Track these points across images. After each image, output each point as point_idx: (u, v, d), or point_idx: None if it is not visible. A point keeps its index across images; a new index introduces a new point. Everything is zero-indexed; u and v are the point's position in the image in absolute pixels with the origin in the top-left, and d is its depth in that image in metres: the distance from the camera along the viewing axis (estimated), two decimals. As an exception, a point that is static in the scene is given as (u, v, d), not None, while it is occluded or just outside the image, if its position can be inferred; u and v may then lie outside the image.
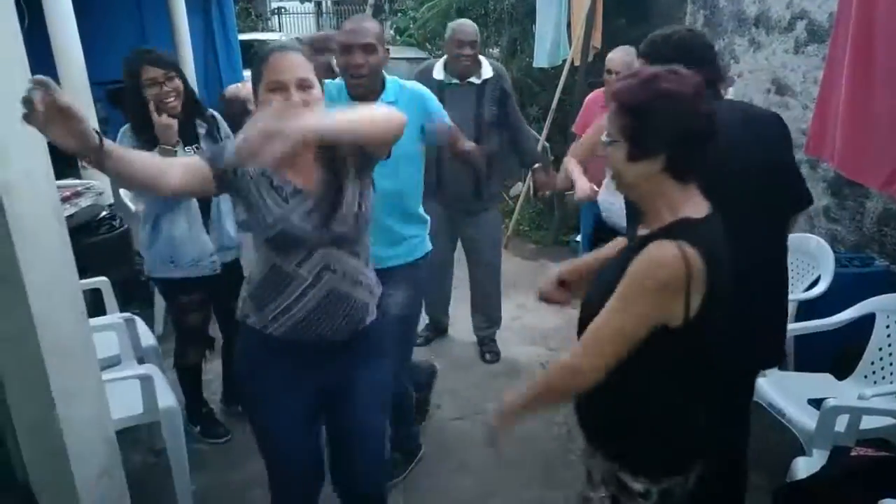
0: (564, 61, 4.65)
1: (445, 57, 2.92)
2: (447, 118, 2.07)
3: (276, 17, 16.91)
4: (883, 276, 2.60)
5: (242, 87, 2.40)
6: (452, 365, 3.14)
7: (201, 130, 2.27)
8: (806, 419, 1.97)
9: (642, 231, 1.21)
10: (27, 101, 1.01)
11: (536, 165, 3.13)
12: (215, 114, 2.37)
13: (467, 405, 2.80)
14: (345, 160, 1.43)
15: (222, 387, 2.74)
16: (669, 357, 1.15)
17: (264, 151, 1.12)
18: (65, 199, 2.97)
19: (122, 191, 3.42)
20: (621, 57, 2.72)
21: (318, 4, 18.75)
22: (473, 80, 2.87)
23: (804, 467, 1.81)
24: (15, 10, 1.34)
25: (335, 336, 1.46)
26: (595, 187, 2.49)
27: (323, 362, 1.50)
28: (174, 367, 2.51)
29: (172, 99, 2.15)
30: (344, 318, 1.45)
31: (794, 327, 2.43)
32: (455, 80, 2.87)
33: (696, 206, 1.17)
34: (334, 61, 2.03)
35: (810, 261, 2.68)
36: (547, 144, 4.49)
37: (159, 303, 3.11)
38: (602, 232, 2.54)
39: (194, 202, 2.27)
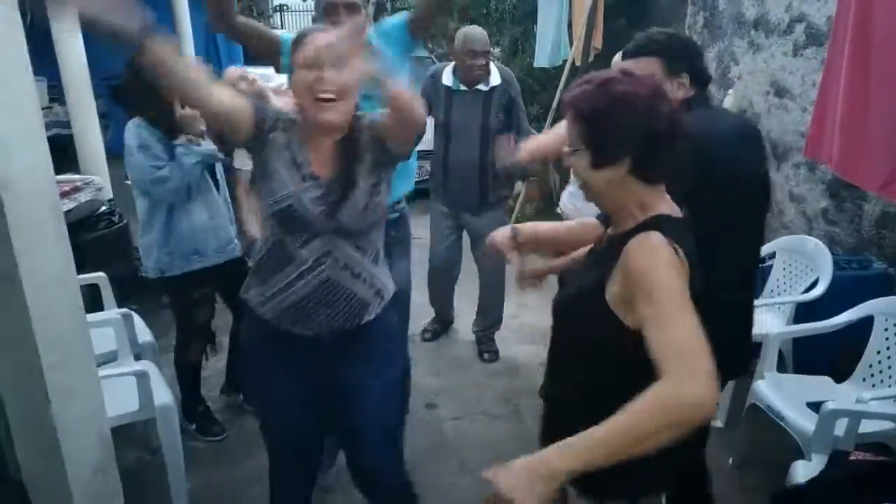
0: (565, 61, 4.65)
1: (454, 63, 2.92)
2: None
3: (279, 14, 16.88)
4: (881, 279, 2.60)
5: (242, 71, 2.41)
6: (451, 364, 3.14)
7: None
8: (804, 422, 1.96)
9: (614, 233, 1.17)
10: None
11: (532, 178, 3.19)
12: None
13: (466, 404, 2.79)
14: (363, 153, 1.43)
15: (225, 375, 2.73)
16: (642, 369, 0.98)
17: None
18: (64, 194, 2.96)
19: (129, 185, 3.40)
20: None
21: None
22: (481, 87, 2.88)
23: (803, 471, 1.80)
24: (17, 5, 1.33)
25: (330, 326, 1.45)
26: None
27: (319, 355, 1.49)
28: (174, 364, 2.51)
29: None
30: (339, 309, 1.44)
31: (792, 329, 2.44)
32: (463, 87, 2.88)
33: (670, 206, 1.14)
34: None
35: (808, 263, 2.68)
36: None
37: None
38: None
39: (215, 192, 2.32)
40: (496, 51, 5.91)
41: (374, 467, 1.62)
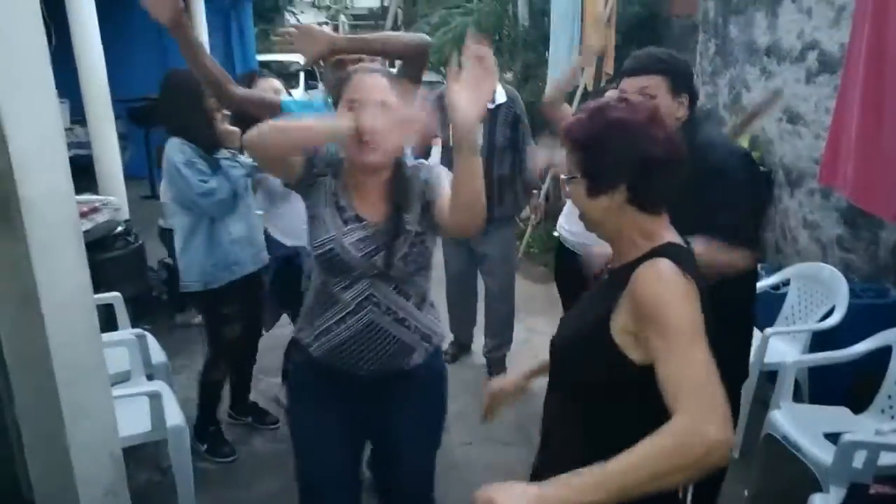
0: (576, 87, 4.68)
1: None
2: None
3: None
4: (899, 308, 2.56)
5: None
6: (464, 387, 3.12)
7: None
8: (822, 454, 1.92)
9: (617, 264, 1.12)
10: None
11: (534, 191, 3.23)
12: None
13: (477, 429, 2.76)
14: (412, 202, 1.42)
15: (230, 398, 2.74)
16: (647, 413, 0.96)
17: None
18: (82, 215, 3.01)
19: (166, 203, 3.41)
20: None
21: (336, 27, 19.19)
22: (487, 104, 2.90)
23: (820, 504, 1.77)
24: (44, 31, 1.37)
25: (374, 369, 1.44)
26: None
27: (364, 396, 1.47)
28: (200, 381, 2.52)
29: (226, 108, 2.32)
30: (382, 353, 1.43)
31: (808, 359, 2.40)
32: None
33: (674, 235, 1.10)
34: None
35: (824, 290, 2.65)
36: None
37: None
38: (564, 260, 2.57)
39: (251, 203, 2.40)
40: (508, 76, 5.97)
41: None
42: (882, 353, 2.21)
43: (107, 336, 2.16)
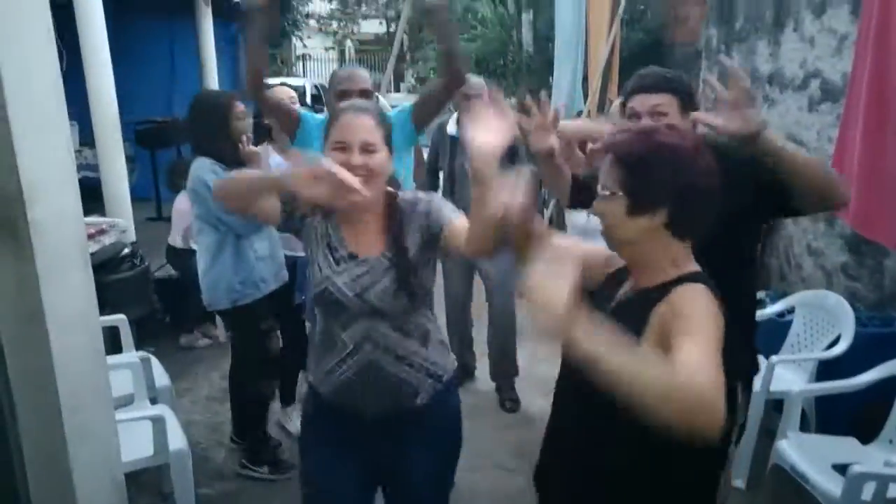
0: (580, 113, 4.73)
1: (458, 112, 3.00)
2: None
3: (301, 62, 17.51)
4: (905, 337, 2.55)
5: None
6: (467, 413, 3.08)
7: None
8: (830, 485, 1.90)
9: (640, 286, 1.13)
10: None
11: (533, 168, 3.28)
12: None
13: (479, 456, 2.73)
14: (407, 235, 1.40)
15: (232, 423, 2.72)
16: (668, 458, 1.01)
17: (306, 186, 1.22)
18: (90, 237, 3.02)
19: (176, 230, 3.48)
20: None
21: (342, 52, 19.46)
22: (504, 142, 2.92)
23: (829, 536, 1.74)
24: (57, 54, 1.40)
25: (379, 410, 1.42)
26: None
27: (374, 437, 1.46)
28: (249, 404, 2.50)
29: (250, 130, 2.43)
30: (385, 393, 1.41)
31: (816, 388, 2.38)
32: None
33: (696, 265, 1.12)
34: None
35: (829, 318, 2.63)
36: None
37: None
38: None
39: None
40: (511, 101, 6.05)
41: None
42: (889, 383, 2.18)
43: (111, 359, 2.15)
